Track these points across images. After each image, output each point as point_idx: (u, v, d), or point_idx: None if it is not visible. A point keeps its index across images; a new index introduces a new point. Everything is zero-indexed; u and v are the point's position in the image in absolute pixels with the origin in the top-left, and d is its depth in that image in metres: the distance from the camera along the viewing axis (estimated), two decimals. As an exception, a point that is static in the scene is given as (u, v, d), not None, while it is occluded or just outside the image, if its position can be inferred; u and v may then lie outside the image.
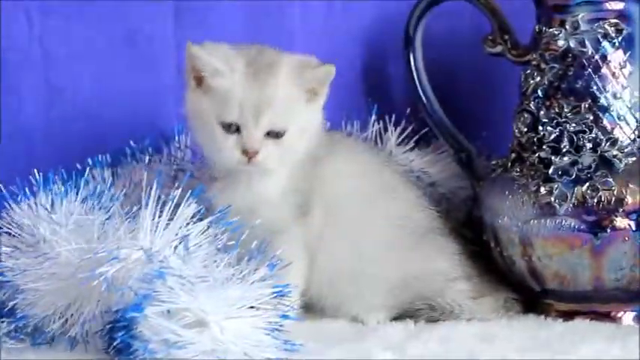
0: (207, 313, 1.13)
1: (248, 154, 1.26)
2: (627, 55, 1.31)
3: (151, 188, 1.20)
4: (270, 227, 1.28)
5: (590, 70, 1.31)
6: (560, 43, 1.31)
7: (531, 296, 1.35)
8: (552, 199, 1.29)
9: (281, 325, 1.17)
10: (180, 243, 1.18)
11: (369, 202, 1.33)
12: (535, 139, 1.32)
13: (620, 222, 1.27)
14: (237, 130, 1.26)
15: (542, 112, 1.32)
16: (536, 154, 1.31)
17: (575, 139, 1.30)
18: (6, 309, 1.23)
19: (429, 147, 1.49)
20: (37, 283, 1.21)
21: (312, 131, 1.30)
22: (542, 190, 1.30)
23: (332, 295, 1.32)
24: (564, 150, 1.30)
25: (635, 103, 1.31)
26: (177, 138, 1.47)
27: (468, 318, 1.31)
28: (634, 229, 1.27)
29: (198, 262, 1.18)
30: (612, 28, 1.30)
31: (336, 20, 1.55)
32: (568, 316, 1.32)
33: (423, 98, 1.45)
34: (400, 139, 1.48)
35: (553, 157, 1.30)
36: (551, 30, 1.32)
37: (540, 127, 1.31)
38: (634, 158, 1.29)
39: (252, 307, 1.16)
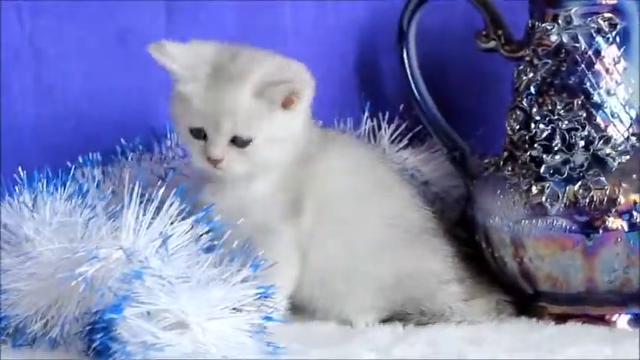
0: (188, 314, 1.11)
1: (211, 161, 1.25)
2: (621, 50, 1.28)
3: (134, 186, 1.19)
4: (260, 227, 1.26)
5: (583, 65, 1.28)
6: (553, 38, 1.29)
7: (524, 299, 1.33)
8: (543, 198, 1.26)
9: (264, 327, 1.15)
10: (162, 243, 1.17)
11: (363, 200, 1.31)
12: (527, 137, 1.29)
13: (613, 222, 1.25)
14: (205, 136, 1.25)
15: (534, 110, 1.30)
16: (528, 153, 1.29)
17: (568, 137, 1.27)
18: (-13, 310, 1.23)
19: (423, 145, 1.47)
20: (19, 283, 1.20)
21: (290, 136, 1.27)
22: (534, 189, 1.27)
23: (323, 296, 1.31)
24: (556, 148, 1.27)
25: (629, 100, 1.28)
26: (168, 136, 1.46)
27: (459, 321, 1.29)
28: (627, 229, 1.25)
29: (181, 262, 1.17)
30: (606, 23, 1.28)
31: (328, 16, 1.53)
32: (561, 319, 1.29)
33: (417, 95, 1.43)
34: (393, 137, 1.46)
35: (544, 156, 1.27)
36: (543, 25, 1.30)
37: (532, 125, 1.29)
38: (627, 157, 1.27)
39: (235, 309, 1.15)
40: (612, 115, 1.28)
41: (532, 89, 1.30)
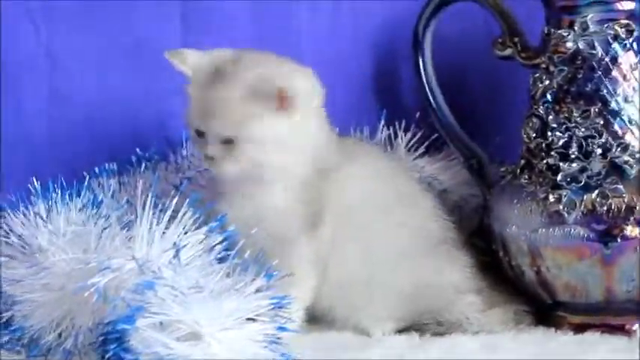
0: (201, 325, 1.10)
1: (207, 159, 1.26)
2: (639, 56, 1.27)
3: (147, 197, 1.19)
4: (278, 239, 1.26)
5: (600, 72, 1.27)
6: (569, 44, 1.28)
7: (543, 308, 1.32)
8: (561, 207, 1.25)
9: (278, 338, 1.14)
10: (176, 253, 1.16)
11: (383, 210, 1.30)
12: (544, 145, 1.28)
13: (631, 231, 1.23)
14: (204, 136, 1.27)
15: (551, 117, 1.28)
16: (545, 161, 1.28)
17: (585, 145, 1.26)
18: (2, 320, 1.22)
19: (440, 153, 1.46)
20: (33, 294, 1.20)
21: (290, 142, 1.25)
22: (551, 197, 1.26)
23: (342, 306, 1.30)
24: (573, 156, 1.26)
25: (647, 107, 1.27)
26: (183, 145, 1.45)
27: (476, 331, 1.28)
28: (646, 238, 1.24)
29: (194, 272, 1.16)
30: (623, 29, 1.27)
31: (345, 23, 1.52)
32: (580, 328, 1.28)
33: (433, 103, 1.42)
34: (410, 145, 1.46)
35: (561, 164, 1.26)
36: (559, 31, 1.29)
37: (549, 133, 1.28)
38: (646, 164, 1.26)
39: (250, 319, 1.14)
40: (630, 122, 1.26)
41: (548, 97, 1.29)
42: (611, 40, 1.27)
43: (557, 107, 1.28)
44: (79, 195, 1.26)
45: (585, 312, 1.28)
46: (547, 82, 1.29)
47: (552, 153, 1.27)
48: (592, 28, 1.27)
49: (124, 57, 1.51)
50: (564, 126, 1.27)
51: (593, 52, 1.27)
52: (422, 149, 1.45)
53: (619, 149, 1.25)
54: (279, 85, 1.23)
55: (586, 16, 1.27)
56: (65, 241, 1.22)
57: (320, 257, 1.28)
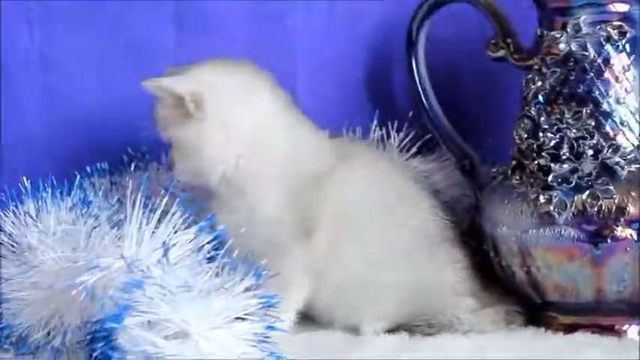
0: (190, 323, 1.10)
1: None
2: (631, 58, 1.27)
3: (136, 196, 1.18)
4: (269, 246, 1.25)
5: (592, 74, 1.26)
6: (562, 46, 1.27)
7: (534, 308, 1.31)
8: (551, 207, 1.25)
9: (267, 337, 1.14)
10: (165, 252, 1.16)
11: (382, 211, 1.30)
12: (535, 146, 1.28)
13: (622, 232, 1.23)
14: None
15: (542, 118, 1.28)
16: (536, 162, 1.27)
17: (576, 146, 1.26)
18: (-10, 318, 1.23)
19: (432, 154, 1.45)
20: (21, 292, 1.20)
21: (202, 149, 1.27)
22: (541, 198, 1.25)
23: (340, 306, 1.30)
24: (564, 157, 1.26)
25: (639, 109, 1.26)
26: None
27: (466, 330, 1.28)
28: (636, 239, 1.23)
29: (183, 271, 1.16)
30: (615, 31, 1.26)
31: (339, 23, 1.52)
32: (571, 329, 1.28)
33: (425, 103, 1.42)
34: (402, 145, 1.45)
35: (552, 165, 1.26)
36: (552, 33, 1.28)
37: (541, 134, 1.28)
38: (637, 166, 1.25)
39: (239, 318, 1.14)
40: (621, 124, 1.26)
41: (540, 98, 1.29)
42: (603, 42, 1.26)
43: (549, 108, 1.28)
44: (69, 194, 1.27)
45: (575, 312, 1.28)
46: (539, 83, 1.29)
47: (543, 154, 1.27)
48: (585, 29, 1.27)
49: (120, 57, 1.51)
50: (556, 127, 1.27)
51: (586, 53, 1.27)
52: (414, 150, 1.45)
53: (610, 150, 1.25)
54: (182, 92, 1.25)
55: (579, 18, 1.27)
56: (54, 239, 1.22)
57: (314, 266, 1.28)
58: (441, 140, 1.42)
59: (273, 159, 1.28)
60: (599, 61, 1.26)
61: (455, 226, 1.35)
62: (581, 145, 1.26)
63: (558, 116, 1.27)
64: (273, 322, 1.15)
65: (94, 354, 1.11)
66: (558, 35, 1.28)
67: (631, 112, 1.26)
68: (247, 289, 1.15)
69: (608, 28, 1.26)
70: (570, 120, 1.26)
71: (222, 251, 1.19)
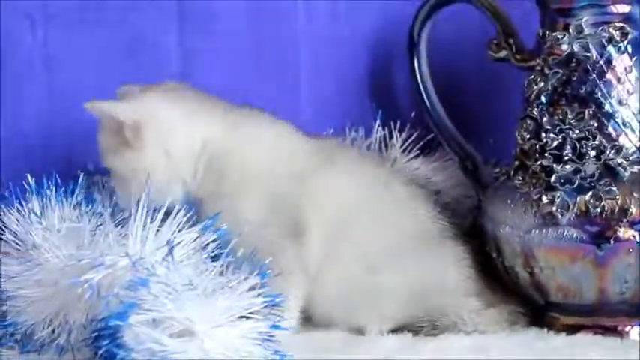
0: (194, 322, 1.10)
1: None
2: (633, 59, 1.27)
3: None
4: (261, 247, 1.25)
5: (594, 75, 1.27)
6: (564, 47, 1.28)
7: (537, 309, 1.32)
8: (554, 208, 1.25)
9: (271, 336, 1.15)
10: (169, 251, 1.16)
11: (379, 213, 1.30)
12: (537, 147, 1.28)
13: (624, 233, 1.23)
14: None
15: (545, 119, 1.28)
16: (539, 162, 1.28)
17: (578, 147, 1.26)
18: (-4, 315, 1.23)
19: (435, 154, 1.46)
20: (26, 290, 1.20)
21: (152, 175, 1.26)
22: (544, 199, 1.26)
23: (343, 309, 1.30)
24: (567, 158, 1.26)
25: (641, 110, 1.27)
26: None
27: (469, 331, 1.28)
28: (638, 240, 1.23)
29: (188, 270, 1.16)
30: (617, 32, 1.26)
31: (341, 24, 1.52)
32: (573, 329, 1.28)
33: (428, 104, 1.42)
34: (405, 146, 1.46)
35: (555, 165, 1.26)
36: (554, 34, 1.29)
37: (543, 135, 1.28)
38: (639, 167, 1.25)
39: (244, 317, 1.14)
40: (624, 125, 1.26)
41: (543, 98, 1.29)
42: (605, 43, 1.27)
43: (551, 109, 1.29)
44: (73, 192, 1.27)
45: (578, 313, 1.28)
46: (541, 84, 1.29)
47: (546, 155, 1.27)
48: (587, 30, 1.27)
49: (122, 57, 1.51)
50: (558, 128, 1.27)
51: (588, 54, 1.27)
52: (416, 150, 1.46)
53: (613, 151, 1.25)
54: (121, 119, 1.27)
55: (581, 19, 1.27)
56: (59, 237, 1.22)
57: (308, 267, 1.28)
58: (444, 141, 1.42)
59: (235, 172, 1.28)
60: (601, 62, 1.27)
61: (455, 226, 1.35)
62: (584, 146, 1.26)
63: (561, 117, 1.27)
64: (278, 321, 1.15)
65: (99, 351, 1.11)
66: (560, 36, 1.28)
67: (633, 113, 1.27)
68: (251, 288, 1.15)
69: (610, 29, 1.27)
70: (573, 121, 1.27)
71: (227, 250, 1.20)
